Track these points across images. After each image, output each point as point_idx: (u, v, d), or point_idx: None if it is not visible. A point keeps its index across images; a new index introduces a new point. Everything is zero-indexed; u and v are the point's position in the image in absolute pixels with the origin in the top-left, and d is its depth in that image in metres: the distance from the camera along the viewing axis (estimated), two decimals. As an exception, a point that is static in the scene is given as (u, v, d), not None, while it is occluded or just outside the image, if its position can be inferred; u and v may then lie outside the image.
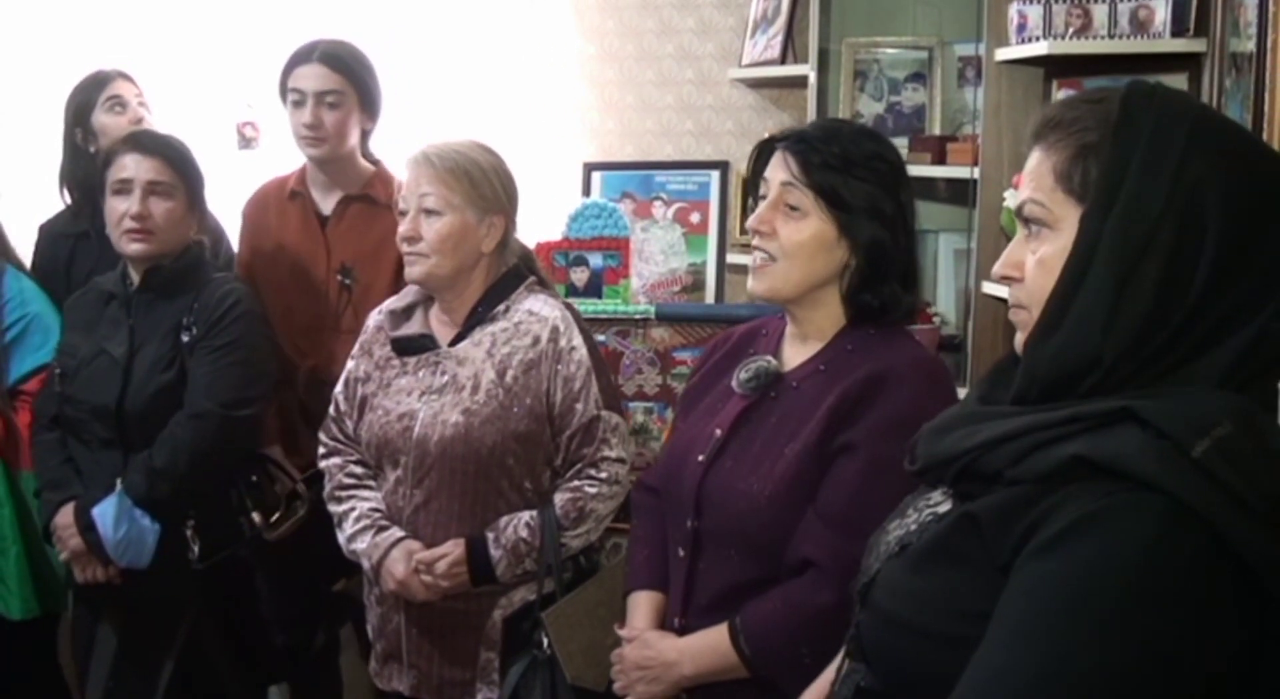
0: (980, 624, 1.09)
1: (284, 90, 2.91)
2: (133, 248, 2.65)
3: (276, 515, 2.72)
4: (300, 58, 2.89)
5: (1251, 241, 1.12)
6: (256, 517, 2.68)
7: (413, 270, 2.35)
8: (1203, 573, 1.03)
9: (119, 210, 2.64)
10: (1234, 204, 1.12)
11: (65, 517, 2.63)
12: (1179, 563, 1.03)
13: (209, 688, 2.72)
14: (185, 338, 2.64)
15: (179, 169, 2.68)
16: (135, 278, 2.71)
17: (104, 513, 2.58)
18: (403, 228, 2.34)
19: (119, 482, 2.60)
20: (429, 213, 2.31)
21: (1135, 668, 1.02)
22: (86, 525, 2.59)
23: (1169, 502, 1.04)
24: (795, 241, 1.84)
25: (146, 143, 2.69)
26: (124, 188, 2.64)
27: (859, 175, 1.84)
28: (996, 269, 1.26)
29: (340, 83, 2.87)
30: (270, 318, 2.98)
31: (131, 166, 2.64)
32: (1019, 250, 1.23)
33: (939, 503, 1.26)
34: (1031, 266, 1.21)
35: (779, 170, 1.87)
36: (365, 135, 3.00)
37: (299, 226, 2.98)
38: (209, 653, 2.70)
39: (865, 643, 1.28)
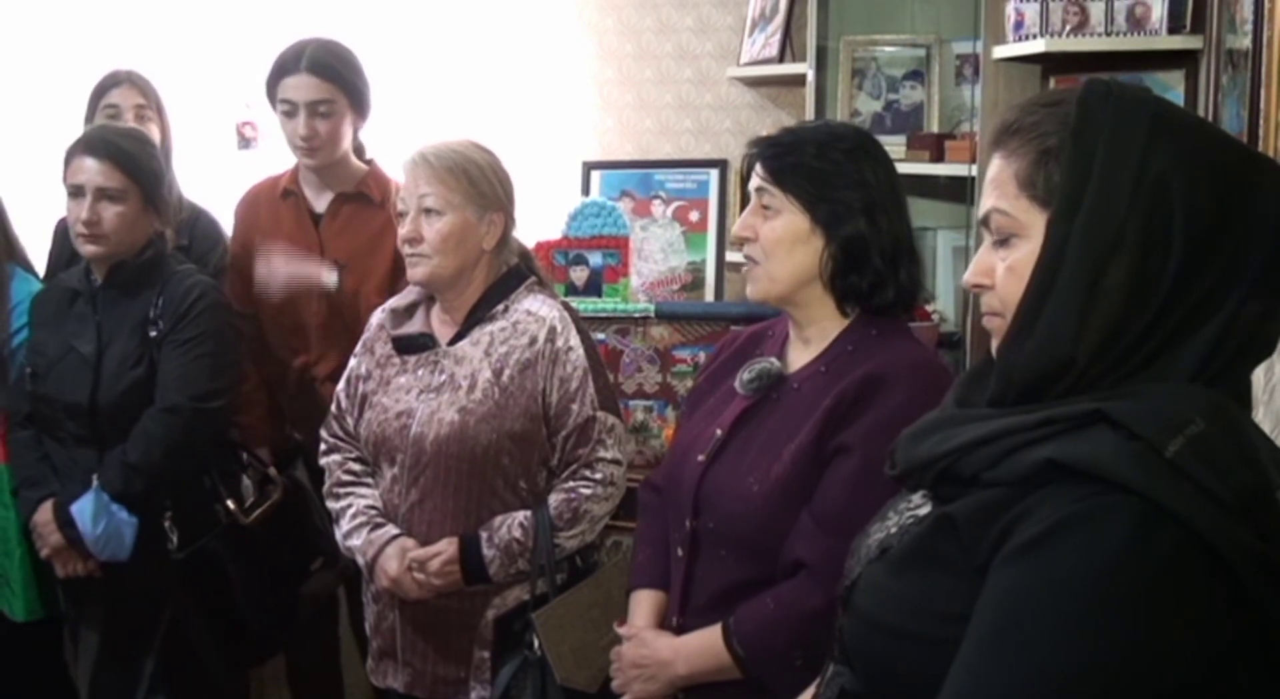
0: (960, 626, 1.09)
1: (272, 97, 2.89)
2: (87, 250, 2.70)
3: (251, 501, 2.77)
4: (287, 67, 2.84)
5: (1217, 231, 1.11)
6: (231, 503, 2.73)
7: (415, 271, 2.34)
8: (1181, 572, 1.03)
9: (73, 213, 2.68)
10: (1198, 195, 1.11)
11: (44, 514, 2.68)
12: (1156, 563, 1.03)
13: (192, 675, 2.76)
14: (153, 333, 2.68)
15: (129, 172, 2.68)
16: (98, 275, 2.74)
17: (82, 509, 2.62)
18: (404, 230, 2.33)
19: (95, 478, 2.63)
20: (429, 213, 2.31)
21: (1117, 671, 1.01)
22: (65, 522, 2.63)
23: (1144, 503, 1.04)
24: (772, 238, 1.87)
25: (98, 145, 2.69)
26: (77, 192, 2.68)
27: (823, 166, 1.86)
28: (967, 278, 1.25)
29: (330, 91, 2.84)
30: (260, 316, 3.01)
31: (82, 171, 2.67)
32: (988, 257, 1.23)
33: (919, 506, 1.26)
34: (1001, 273, 1.21)
35: (753, 177, 1.92)
36: (358, 134, 2.99)
37: (292, 225, 2.98)
38: (191, 641, 2.75)
39: (848, 646, 1.28)
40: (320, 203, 2.98)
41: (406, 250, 2.34)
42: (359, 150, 3.01)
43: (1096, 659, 1.01)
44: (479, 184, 2.34)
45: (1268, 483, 1.06)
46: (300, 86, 2.83)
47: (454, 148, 2.36)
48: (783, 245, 1.87)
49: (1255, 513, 1.04)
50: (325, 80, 2.83)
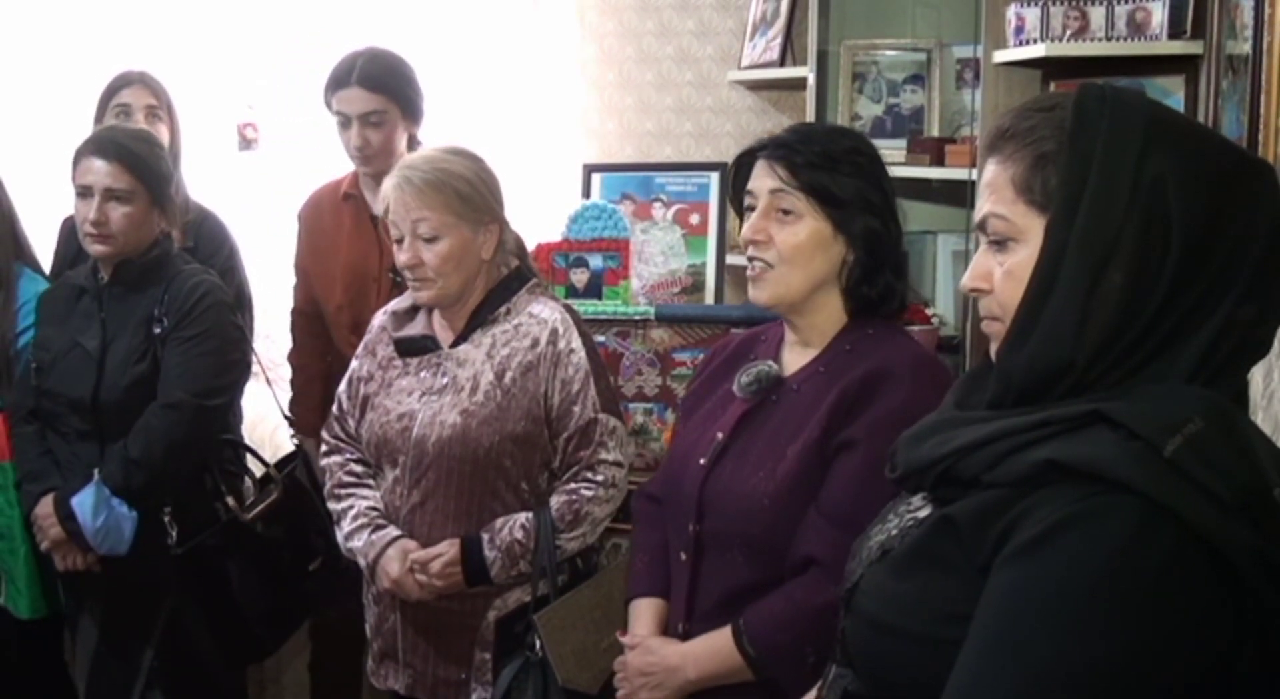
0: (962, 626, 1.10)
1: (329, 106, 2.98)
2: (94, 249, 2.72)
3: (251, 498, 2.79)
4: (340, 80, 2.94)
5: (1212, 233, 1.13)
6: (231, 500, 2.74)
7: (421, 295, 2.35)
8: (1182, 571, 1.04)
9: (81, 213, 2.70)
10: (1194, 198, 1.13)
11: (45, 507, 2.69)
12: (1157, 562, 1.04)
13: (190, 671, 2.77)
14: (157, 330, 2.70)
15: (137, 173, 2.70)
16: (105, 273, 2.76)
17: (82, 502, 2.63)
18: (402, 257, 2.32)
19: (96, 472, 2.65)
20: (426, 239, 2.30)
21: (1119, 670, 1.02)
22: (66, 515, 2.65)
23: (1143, 502, 1.05)
24: (792, 245, 1.85)
25: (107, 146, 2.71)
26: (85, 192, 2.69)
27: (844, 170, 1.85)
28: (965, 282, 1.26)
29: (381, 102, 2.92)
30: (323, 316, 3.10)
31: (91, 172, 2.68)
32: (985, 262, 1.24)
33: (919, 508, 1.26)
34: (999, 278, 1.21)
35: (765, 179, 1.88)
36: (412, 139, 3.04)
37: (352, 227, 3.05)
38: (189, 636, 2.75)
39: (850, 648, 1.29)
40: (380, 206, 3.01)
41: (408, 275, 2.33)
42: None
43: (1098, 658, 1.02)
44: (470, 200, 2.31)
45: (1266, 481, 1.07)
46: (352, 99, 2.92)
47: (438, 165, 2.32)
48: (803, 252, 1.85)
49: (1254, 511, 1.05)
50: (375, 92, 2.92)
